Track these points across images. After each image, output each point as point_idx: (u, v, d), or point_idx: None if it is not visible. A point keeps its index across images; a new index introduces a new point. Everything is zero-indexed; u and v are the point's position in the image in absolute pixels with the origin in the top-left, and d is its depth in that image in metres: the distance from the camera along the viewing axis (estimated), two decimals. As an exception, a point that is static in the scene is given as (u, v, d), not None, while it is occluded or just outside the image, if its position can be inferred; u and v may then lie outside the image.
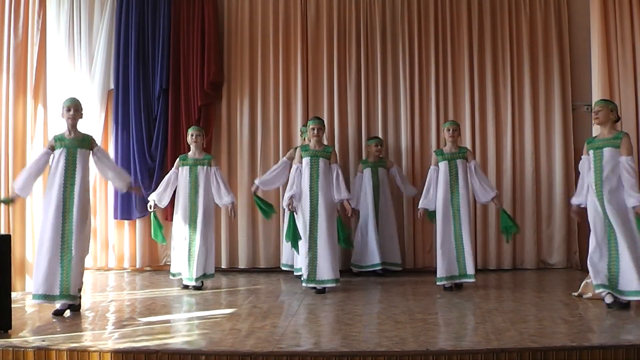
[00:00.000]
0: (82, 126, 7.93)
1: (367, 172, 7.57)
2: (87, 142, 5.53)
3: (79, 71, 8.09)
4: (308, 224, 6.45)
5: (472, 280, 6.40)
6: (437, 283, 6.44)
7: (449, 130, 6.60)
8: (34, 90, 6.37)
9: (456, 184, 6.47)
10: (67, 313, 5.36)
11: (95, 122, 8.02)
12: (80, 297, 5.48)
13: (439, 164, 6.55)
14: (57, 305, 5.32)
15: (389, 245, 7.52)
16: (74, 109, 5.47)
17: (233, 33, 8.23)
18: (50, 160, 5.45)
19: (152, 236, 6.88)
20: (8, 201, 5.58)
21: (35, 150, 6.36)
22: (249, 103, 8.13)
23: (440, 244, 6.43)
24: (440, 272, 6.42)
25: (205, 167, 6.74)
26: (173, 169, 6.87)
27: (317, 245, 6.42)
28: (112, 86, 8.14)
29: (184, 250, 6.67)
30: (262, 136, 8.09)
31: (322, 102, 8.07)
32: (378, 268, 7.35)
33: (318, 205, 6.46)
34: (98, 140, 7.94)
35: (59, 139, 5.45)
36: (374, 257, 7.35)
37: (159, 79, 8.03)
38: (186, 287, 6.66)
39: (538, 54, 8.01)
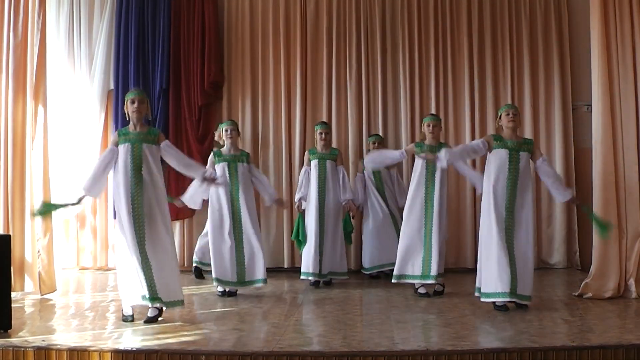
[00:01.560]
0: (82, 126, 8.08)
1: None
2: (153, 136, 5.16)
3: (79, 71, 8.10)
4: (318, 223, 6.75)
5: (432, 281, 6.12)
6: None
7: (429, 125, 6.34)
8: (34, 91, 6.36)
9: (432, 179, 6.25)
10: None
11: (95, 122, 8.02)
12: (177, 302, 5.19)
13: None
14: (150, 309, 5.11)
15: None
16: (139, 101, 5.12)
17: (233, 33, 8.24)
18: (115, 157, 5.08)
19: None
20: (58, 207, 5.36)
21: (36, 150, 6.36)
22: (250, 103, 8.14)
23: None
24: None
25: (244, 164, 6.43)
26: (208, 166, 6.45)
27: (324, 243, 6.77)
28: (112, 86, 8.14)
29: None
30: (262, 136, 8.10)
31: (321, 102, 8.08)
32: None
33: (326, 205, 6.81)
34: (98, 141, 8.02)
35: (123, 133, 5.12)
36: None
37: (159, 79, 8.03)
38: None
39: (538, 54, 8.02)
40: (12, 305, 4.77)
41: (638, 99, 6.09)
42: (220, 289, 6.29)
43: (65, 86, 7.97)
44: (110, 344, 4.37)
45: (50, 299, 6.06)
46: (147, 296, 4.98)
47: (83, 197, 5.12)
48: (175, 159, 5.29)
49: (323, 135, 6.95)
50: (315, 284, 6.78)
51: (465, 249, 7.97)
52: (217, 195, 6.29)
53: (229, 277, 6.21)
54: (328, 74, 8.10)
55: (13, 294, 5.16)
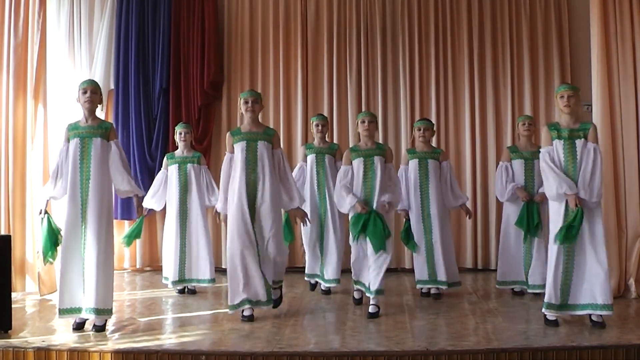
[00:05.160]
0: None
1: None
2: (104, 131, 4.92)
3: (79, 71, 8.10)
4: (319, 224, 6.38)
5: (444, 287, 6.08)
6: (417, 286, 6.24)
7: (419, 129, 6.16)
8: (34, 90, 6.37)
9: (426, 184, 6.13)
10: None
11: (95, 122, 8.01)
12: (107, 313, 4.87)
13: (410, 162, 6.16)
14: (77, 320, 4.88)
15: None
16: (91, 90, 4.94)
17: (233, 33, 8.25)
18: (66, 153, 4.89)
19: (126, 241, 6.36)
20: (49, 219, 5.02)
21: (35, 150, 6.36)
22: (249, 103, 8.13)
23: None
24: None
25: (195, 164, 6.49)
26: (162, 169, 6.61)
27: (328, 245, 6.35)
28: (112, 86, 8.15)
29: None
30: (262, 136, 8.09)
31: (322, 102, 8.09)
32: None
33: (327, 205, 6.33)
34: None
35: (73, 127, 4.93)
36: None
37: (159, 79, 8.04)
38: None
39: (538, 53, 8.02)
40: (13, 305, 4.77)
41: (638, 99, 6.09)
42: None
43: (66, 86, 7.96)
44: (110, 344, 4.37)
45: (51, 299, 6.06)
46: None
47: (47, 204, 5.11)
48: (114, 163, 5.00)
49: (320, 128, 6.51)
50: (313, 287, 6.58)
51: (465, 249, 7.97)
52: (170, 197, 6.46)
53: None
54: (329, 74, 8.10)
55: (13, 294, 5.16)
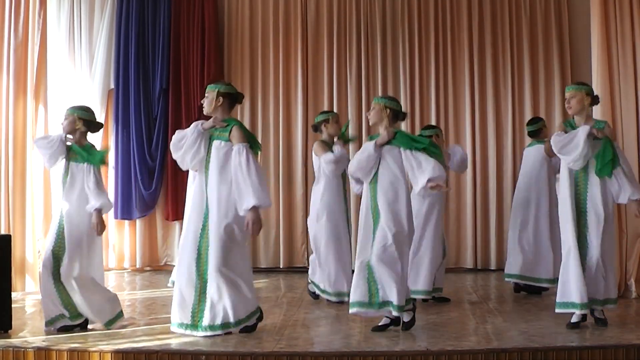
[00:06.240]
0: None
1: None
2: (86, 154, 4.70)
3: (79, 71, 8.10)
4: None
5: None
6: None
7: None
8: (35, 91, 6.37)
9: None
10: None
11: (95, 122, 8.01)
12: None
13: None
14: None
15: None
16: (65, 117, 4.74)
17: (233, 33, 8.24)
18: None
19: None
20: None
21: (36, 150, 6.36)
22: (249, 103, 8.13)
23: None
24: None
25: None
26: None
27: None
28: (112, 86, 8.15)
29: None
30: (262, 136, 8.09)
31: (322, 102, 8.08)
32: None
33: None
34: (98, 140, 8.00)
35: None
36: None
37: (159, 79, 8.04)
38: None
39: (538, 54, 8.02)
40: (13, 305, 4.77)
41: (638, 99, 6.09)
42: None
43: (66, 86, 7.97)
44: (110, 344, 4.37)
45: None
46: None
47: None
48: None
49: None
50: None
51: (465, 249, 7.97)
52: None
53: None
54: (329, 73, 8.10)
55: (14, 294, 5.16)
